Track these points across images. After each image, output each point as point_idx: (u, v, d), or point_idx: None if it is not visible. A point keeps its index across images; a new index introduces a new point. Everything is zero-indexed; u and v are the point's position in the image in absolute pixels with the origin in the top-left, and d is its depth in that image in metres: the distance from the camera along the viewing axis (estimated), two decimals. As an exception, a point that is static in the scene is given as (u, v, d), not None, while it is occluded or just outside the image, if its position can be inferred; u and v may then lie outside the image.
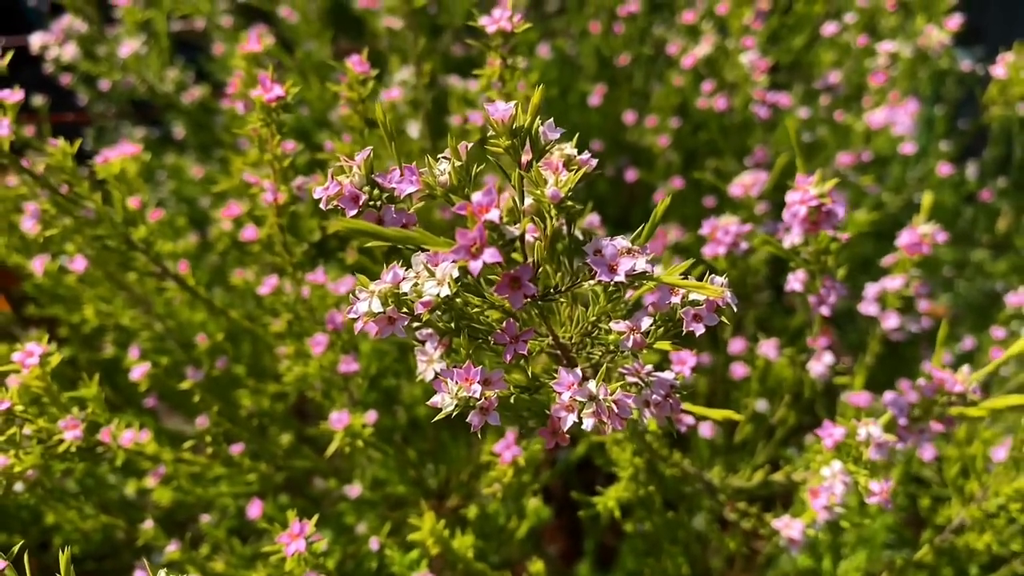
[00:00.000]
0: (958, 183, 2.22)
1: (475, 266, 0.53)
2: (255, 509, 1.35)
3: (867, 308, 1.20)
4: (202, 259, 1.73)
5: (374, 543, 1.08)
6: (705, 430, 1.33)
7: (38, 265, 1.34)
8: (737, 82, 1.80)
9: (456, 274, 0.60)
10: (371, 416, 1.28)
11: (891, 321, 1.19)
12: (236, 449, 1.36)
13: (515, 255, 0.55)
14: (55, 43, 1.72)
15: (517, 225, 0.56)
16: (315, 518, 0.92)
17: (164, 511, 1.50)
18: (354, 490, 1.30)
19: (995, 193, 2.21)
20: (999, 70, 1.74)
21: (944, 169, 1.98)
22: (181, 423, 1.91)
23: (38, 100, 2.15)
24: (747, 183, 1.34)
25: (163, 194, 2.16)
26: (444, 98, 1.74)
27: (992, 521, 1.16)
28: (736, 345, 1.40)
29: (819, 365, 1.13)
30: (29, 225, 1.05)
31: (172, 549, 1.09)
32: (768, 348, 1.18)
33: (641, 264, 0.60)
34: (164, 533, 1.23)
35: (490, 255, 0.52)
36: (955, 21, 1.91)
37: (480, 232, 0.52)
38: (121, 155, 1.27)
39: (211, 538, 1.36)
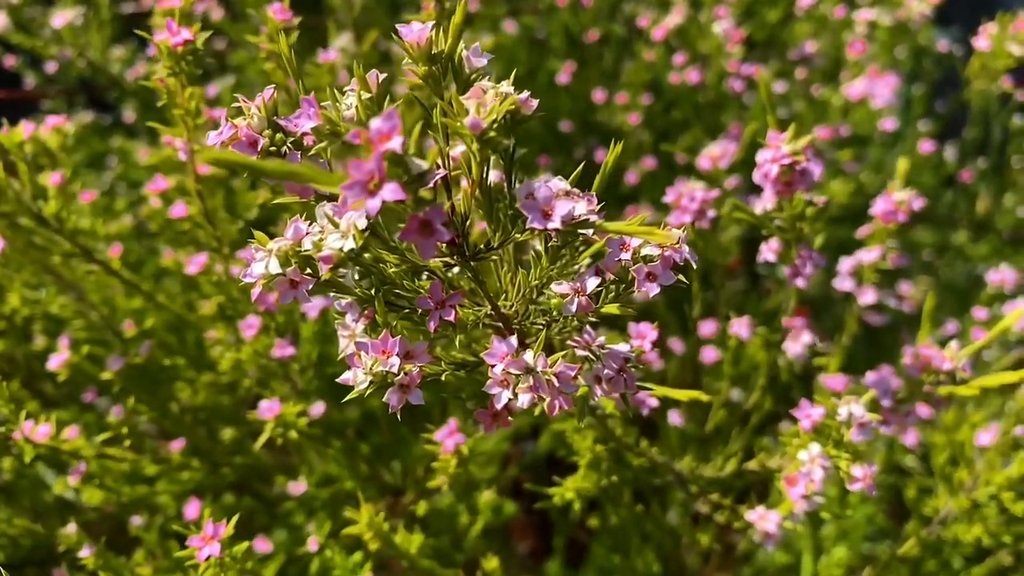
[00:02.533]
0: (937, 164, 2.15)
1: (372, 205, 0.43)
2: (192, 509, 1.25)
3: (842, 283, 1.12)
4: (142, 243, 1.62)
5: (313, 544, 0.98)
6: (675, 417, 1.24)
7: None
8: (710, 53, 1.72)
9: (363, 224, 0.51)
10: (318, 408, 1.18)
11: (868, 296, 1.11)
12: (176, 446, 1.25)
13: (425, 193, 0.46)
14: (-17, 14, 1.61)
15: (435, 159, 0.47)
16: (235, 518, 0.83)
17: (105, 513, 1.39)
18: (299, 487, 1.20)
19: (975, 174, 2.14)
20: (982, 42, 1.66)
21: (925, 147, 1.91)
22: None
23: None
24: (715, 155, 1.25)
25: (112, 178, 2.05)
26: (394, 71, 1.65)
27: (982, 511, 1.08)
28: (707, 328, 1.31)
29: (796, 345, 1.04)
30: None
31: (86, 554, 0.99)
32: (740, 327, 1.10)
33: (581, 208, 0.51)
34: (89, 537, 1.13)
35: (390, 191, 0.43)
36: (936, -8, 1.84)
37: (378, 164, 0.43)
38: (40, 128, 1.16)
39: (146, 543, 1.26)
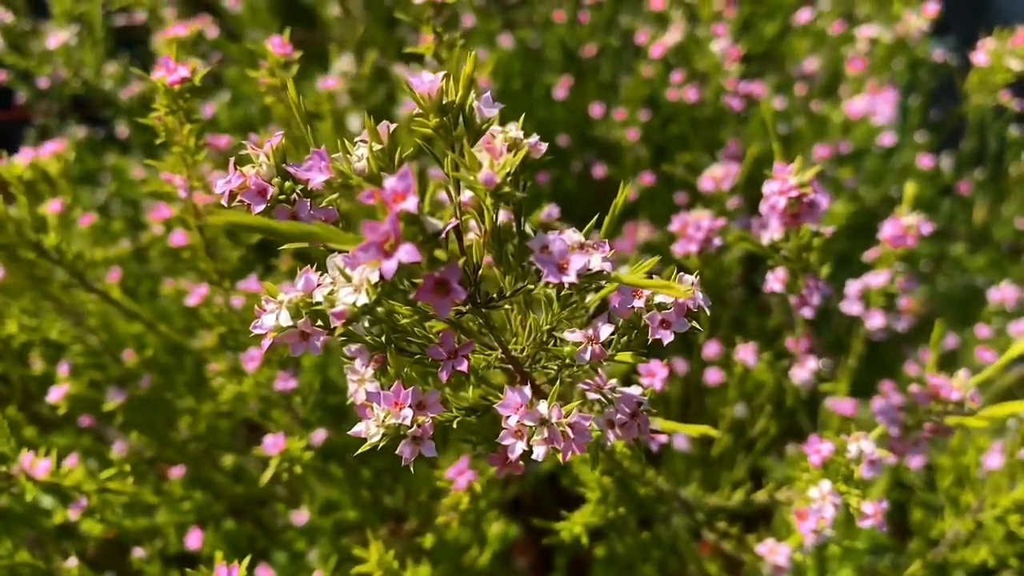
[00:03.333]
0: (934, 175, 2.15)
1: (388, 267, 0.42)
2: (194, 539, 1.24)
3: (850, 307, 1.11)
4: (142, 266, 1.60)
5: (319, 577, 0.97)
6: (680, 442, 1.24)
7: (-51, 275, 1.22)
8: (708, 71, 1.71)
9: (376, 278, 0.50)
10: (318, 436, 1.17)
11: (876, 320, 1.10)
12: (176, 473, 1.24)
13: (441, 253, 0.45)
14: (-22, 35, 1.60)
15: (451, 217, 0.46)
16: (247, 560, 0.82)
17: (105, 540, 1.38)
18: (301, 516, 1.19)
19: (972, 185, 2.15)
20: (980, 57, 1.66)
21: (925, 161, 1.91)
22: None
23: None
24: (717, 176, 1.25)
25: (106, 196, 2.03)
26: (395, 95, 1.64)
27: (988, 534, 1.08)
28: (710, 349, 1.30)
29: (803, 371, 1.04)
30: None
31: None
32: (746, 354, 1.09)
33: (596, 262, 0.51)
34: (91, 570, 1.12)
35: (406, 253, 0.42)
36: (932, 7, 1.84)
37: (394, 225, 0.42)
38: (39, 154, 1.15)
39: (147, 574, 1.25)
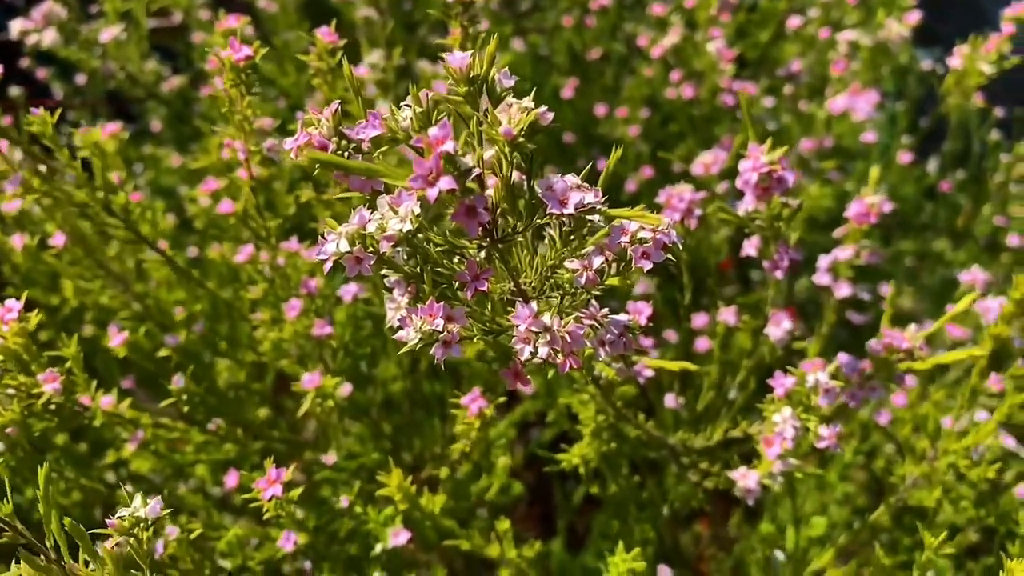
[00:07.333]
0: (919, 176, 2.29)
1: (432, 193, 0.57)
2: (232, 479, 1.37)
3: (820, 278, 1.25)
4: (181, 243, 1.75)
5: (344, 500, 1.11)
6: (670, 400, 1.37)
7: (17, 241, 1.37)
8: (704, 71, 1.86)
9: (418, 210, 0.64)
10: (346, 388, 1.31)
11: (843, 290, 1.24)
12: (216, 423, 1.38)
13: (471, 184, 0.59)
14: (35, 29, 1.75)
15: (472, 157, 0.61)
16: (293, 467, 0.96)
17: (140, 488, 1.52)
18: (330, 458, 1.33)
19: (954, 185, 2.28)
20: (955, 61, 1.80)
21: (905, 158, 2.05)
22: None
23: (15, 91, 2.17)
24: (707, 162, 1.39)
25: (140, 184, 2.18)
26: (419, 85, 1.79)
27: (942, 478, 1.21)
28: (699, 320, 1.45)
29: (778, 330, 1.17)
30: (9, 189, 1.08)
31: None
32: (727, 315, 1.23)
33: (590, 198, 0.65)
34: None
35: (446, 183, 0.57)
36: (914, 16, 1.98)
37: (436, 162, 0.57)
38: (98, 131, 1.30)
39: (188, 505, 1.39)
